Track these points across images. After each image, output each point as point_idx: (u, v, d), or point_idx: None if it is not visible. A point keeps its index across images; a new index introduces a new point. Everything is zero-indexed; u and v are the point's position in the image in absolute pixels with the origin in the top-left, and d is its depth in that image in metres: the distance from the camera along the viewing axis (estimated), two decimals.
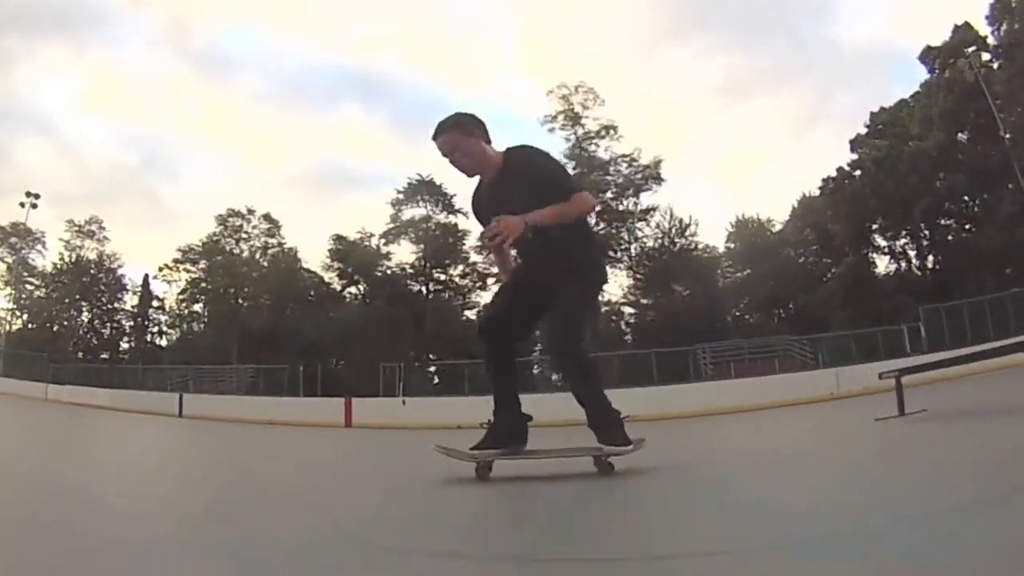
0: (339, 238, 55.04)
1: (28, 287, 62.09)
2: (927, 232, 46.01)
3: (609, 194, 48.48)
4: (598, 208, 49.70)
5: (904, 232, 46.77)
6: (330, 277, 57.00)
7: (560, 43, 78.18)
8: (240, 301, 57.12)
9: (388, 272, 53.49)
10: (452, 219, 53.08)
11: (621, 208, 49.74)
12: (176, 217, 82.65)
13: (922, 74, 46.12)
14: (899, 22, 71.68)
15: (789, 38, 70.68)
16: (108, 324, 64.21)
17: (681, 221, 51.69)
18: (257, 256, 59.13)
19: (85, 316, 63.57)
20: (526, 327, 4.44)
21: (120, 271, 64.37)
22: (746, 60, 73.04)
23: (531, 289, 4.19)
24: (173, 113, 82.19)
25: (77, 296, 61.80)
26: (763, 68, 72.39)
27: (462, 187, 52.44)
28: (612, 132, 49.23)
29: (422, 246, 52.66)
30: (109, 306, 63.87)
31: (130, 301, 64.54)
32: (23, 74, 79.53)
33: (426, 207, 53.10)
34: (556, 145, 48.17)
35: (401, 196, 53.45)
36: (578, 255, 4.14)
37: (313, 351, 46.24)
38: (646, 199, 50.51)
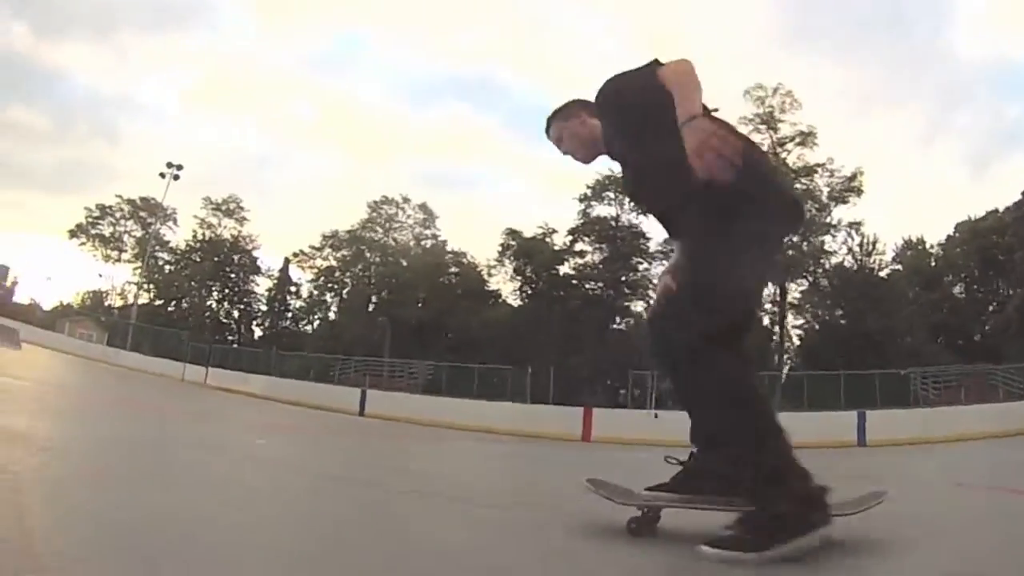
0: (512, 232, 49.04)
1: (159, 261, 57.62)
2: None
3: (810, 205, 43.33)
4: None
5: None
6: (493, 272, 51.81)
7: (668, 47, 74.77)
8: (389, 293, 51.76)
9: (571, 272, 47.61)
10: (640, 219, 46.53)
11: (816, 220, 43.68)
12: (284, 209, 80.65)
13: None
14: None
15: (906, 49, 64.81)
16: (239, 306, 59.10)
17: (867, 239, 46.55)
18: (411, 246, 54.11)
19: (215, 296, 58.73)
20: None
21: (255, 253, 59.74)
22: (862, 71, 66.54)
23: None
24: (285, 110, 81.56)
25: (208, 275, 57.02)
26: (879, 80, 66.08)
27: None
28: (810, 139, 44.17)
29: (604, 246, 46.85)
30: (242, 287, 58.90)
31: (263, 284, 59.91)
32: (137, 66, 79.36)
33: (614, 206, 47.00)
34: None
35: (589, 192, 47.65)
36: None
37: (468, 349, 40.67)
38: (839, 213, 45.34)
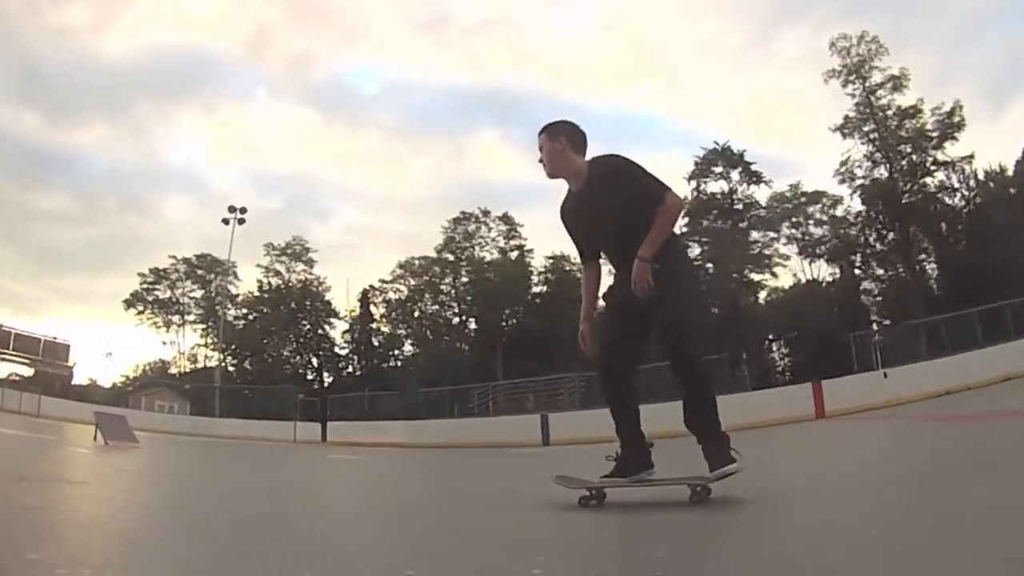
0: None
1: (228, 316, 52.83)
2: None
3: (908, 148, 41.01)
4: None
5: None
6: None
7: (678, 42, 71.11)
8: (488, 310, 47.23)
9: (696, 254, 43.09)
10: (755, 189, 43.74)
11: (917, 161, 41.07)
12: (328, 250, 74.33)
13: None
14: None
15: None
16: (319, 352, 54.08)
17: (967, 173, 41.90)
18: (500, 259, 49.88)
19: (292, 345, 53.70)
20: (639, 354, 3.76)
21: (327, 296, 54.88)
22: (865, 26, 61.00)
23: (634, 312, 3.55)
24: (309, 154, 77.33)
25: (283, 325, 52.33)
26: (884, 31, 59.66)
27: (761, 152, 43.32)
28: (901, 82, 41.09)
29: (721, 222, 43.33)
30: (317, 332, 54.07)
31: (338, 327, 54.91)
32: (160, 136, 75.18)
33: (726, 180, 43.69)
34: (842, 102, 41.91)
35: (695, 170, 44.28)
36: (667, 261, 3.48)
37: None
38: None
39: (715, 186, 44.27)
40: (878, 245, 41.78)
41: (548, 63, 76.23)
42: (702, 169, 43.88)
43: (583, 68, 74.41)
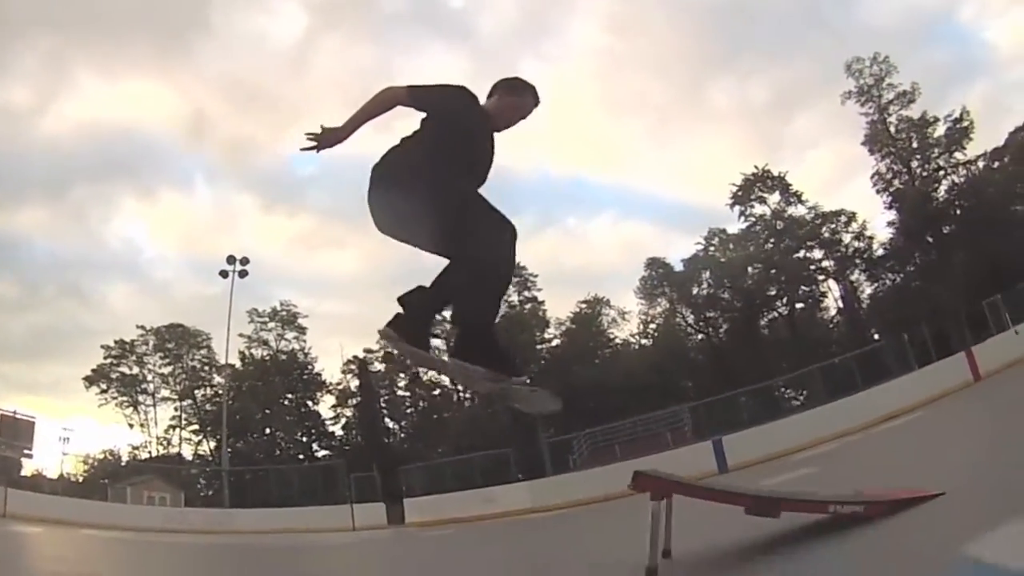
0: (654, 261, 47.54)
1: (207, 391, 48.40)
2: None
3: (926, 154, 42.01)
4: None
5: None
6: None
7: (605, 102, 69.90)
8: None
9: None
10: (795, 210, 44.96)
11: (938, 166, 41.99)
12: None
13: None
14: None
15: (824, 37, 57.93)
16: (307, 429, 48.85)
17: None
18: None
19: (278, 421, 48.11)
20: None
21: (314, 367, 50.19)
22: (789, 70, 62.17)
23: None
24: (248, 238, 71.22)
25: (273, 399, 47.45)
26: (808, 73, 60.84)
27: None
28: (912, 95, 42.27)
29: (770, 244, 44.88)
30: (307, 406, 49.18)
31: (327, 401, 49.89)
32: (98, 222, 70.33)
33: (763, 204, 45.57)
34: (857, 122, 42.94)
35: (736, 194, 45.64)
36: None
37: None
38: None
39: (758, 209, 45.44)
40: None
41: None
42: (741, 196, 45.23)
43: (510, 138, 73.27)
